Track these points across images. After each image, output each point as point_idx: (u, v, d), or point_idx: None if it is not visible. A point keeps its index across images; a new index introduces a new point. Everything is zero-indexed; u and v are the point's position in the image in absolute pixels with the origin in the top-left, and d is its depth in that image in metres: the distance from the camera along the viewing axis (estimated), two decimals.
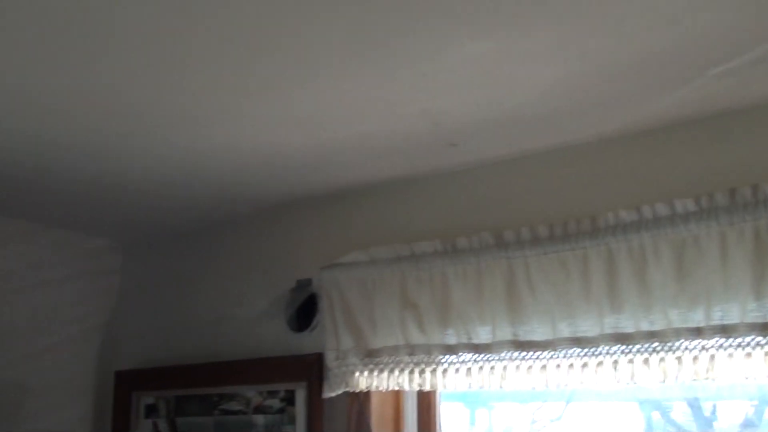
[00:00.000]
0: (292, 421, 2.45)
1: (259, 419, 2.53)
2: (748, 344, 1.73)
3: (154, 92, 1.81)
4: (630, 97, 1.84)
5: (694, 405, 2.10)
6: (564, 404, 2.29)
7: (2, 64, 1.67)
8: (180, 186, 2.48)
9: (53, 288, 2.90)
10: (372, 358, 2.26)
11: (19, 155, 2.23)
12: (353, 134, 2.05)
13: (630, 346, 1.87)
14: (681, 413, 2.13)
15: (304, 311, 2.51)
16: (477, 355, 2.10)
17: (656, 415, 2.18)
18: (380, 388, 2.25)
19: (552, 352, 1.98)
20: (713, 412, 2.09)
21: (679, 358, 1.81)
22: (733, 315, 1.75)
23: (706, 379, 1.77)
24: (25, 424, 2.75)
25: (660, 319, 1.84)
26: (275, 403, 2.50)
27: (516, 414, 2.40)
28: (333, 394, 2.32)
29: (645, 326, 1.85)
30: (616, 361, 1.89)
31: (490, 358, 2.07)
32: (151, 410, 2.83)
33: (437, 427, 2.38)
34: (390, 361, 2.23)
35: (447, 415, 2.41)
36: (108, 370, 2.97)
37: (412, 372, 2.19)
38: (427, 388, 2.18)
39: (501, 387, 2.05)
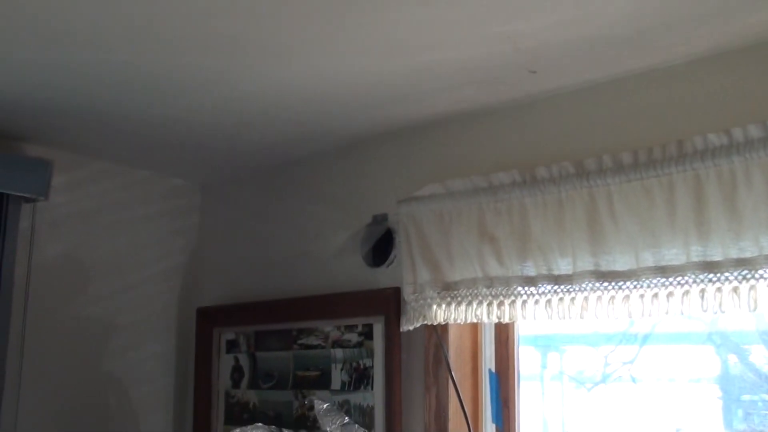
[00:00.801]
0: (370, 354, 2.47)
1: (338, 353, 2.56)
2: None
3: (238, 23, 1.81)
4: (721, 13, 1.75)
5: None
6: (637, 347, 2.25)
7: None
8: (259, 123, 2.50)
9: (135, 228, 2.97)
10: (449, 291, 2.25)
11: (98, 96, 2.28)
12: (429, 62, 2.01)
13: (718, 275, 1.81)
14: (760, 356, 2.07)
15: (381, 246, 2.52)
16: (557, 286, 2.06)
17: (733, 359, 2.12)
18: (458, 321, 2.24)
19: (635, 282, 1.93)
20: None
21: None
22: None
23: None
24: (112, 359, 2.85)
25: (750, 245, 1.76)
26: (353, 337, 2.52)
27: (588, 357, 2.37)
28: (410, 328, 2.33)
29: (734, 254, 1.78)
30: (703, 290, 1.83)
31: (570, 289, 2.04)
32: (232, 345, 2.89)
33: (516, 360, 2.37)
34: (468, 293, 2.21)
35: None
36: (190, 307, 3.04)
37: (490, 304, 2.17)
38: (505, 320, 2.16)
39: (581, 318, 2.02)
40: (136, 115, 2.43)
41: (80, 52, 1.98)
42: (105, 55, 1.99)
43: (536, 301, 2.10)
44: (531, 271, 2.10)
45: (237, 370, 2.87)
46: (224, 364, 2.90)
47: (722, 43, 1.90)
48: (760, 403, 2.07)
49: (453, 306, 2.24)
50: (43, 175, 2.52)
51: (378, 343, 2.45)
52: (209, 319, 2.95)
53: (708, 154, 1.82)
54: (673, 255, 1.88)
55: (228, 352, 2.90)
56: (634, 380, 2.25)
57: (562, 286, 2.05)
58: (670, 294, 1.88)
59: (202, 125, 2.51)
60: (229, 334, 2.90)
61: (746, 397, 2.10)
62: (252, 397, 2.80)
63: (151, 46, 1.94)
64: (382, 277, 2.50)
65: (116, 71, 2.10)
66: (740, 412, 2.10)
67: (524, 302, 2.12)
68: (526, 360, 2.40)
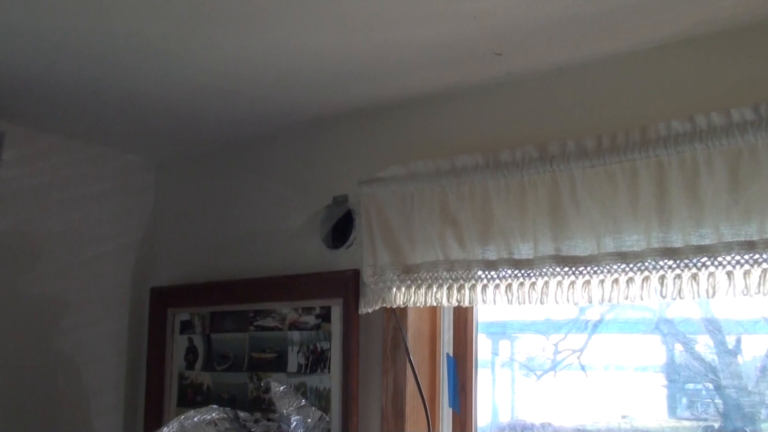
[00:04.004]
0: (327, 337, 2.45)
1: (295, 335, 2.53)
2: None
3: None
4: None
5: (718, 338, 2.07)
6: (587, 336, 2.27)
7: None
8: (217, 99, 2.45)
9: (88, 204, 2.91)
10: (410, 273, 2.24)
11: (51, 67, 2.21)
12: (395, 40, 1.99)
13: (678, 261, 1.82)
14: (704, 346, 2.10)
15: (340, 228, 2.49)
16: (517, 270, 2.06)
17: (679, 348, 2.15)
18: (417, 304, 2.23)
19: (596, 267, 1.93)
20: (737, 345, 2.06)
21: (729, 273, 1.76)
22: None
23: (757, 294, 1.72)
24: (62, 338, 2.79)
25: (711, 233, 1.78)
26: (311, 319, 2.50)
27: (538, 345, 2.38)
28: (369, 310, 2.31)
29: (694, 240, 1.80)
30: (663, 276, 1.84)
31: (531, 274, 2.03)
32: (186, 326, 2.85)
33: (474, 345, 2.37)
34: (428, 276, 2.20)
35: None
36: (144, 287, 2.99)
37: (450, 288, 2.16)
38: (465, 304, 2.16)
39: (541, 303, 2.02)
40: (89, 88, 2.36)
41: (30, 22, 1.92)
42: (58, 24, 1.93)
43: (496, 286, 2.09)
44: (492, 255, 2.10)
45: (191, 351, 2.82)
46: (178, 345, 2.86)
47: (687, 29, 1.90)
48: (703, 392, 2.11)
49: (413, 289, 2.22)
50: None
51: (336, 325, 2.43)
52: (163, 298, 2.91)
53: (671, 140, 1.83)
54: (633, 241, 1.89)
55: (182, 332, 2.86)
56: (583, 368, 2.26)
57: (522, 271, 2.05)
58: (630, 280, 1.89)
59: (158, 99, 2.45)
60: (183, 315, 2.86)
61: (690, 386, 2.13)
62: (206, 378, 2.76)
63: (105, 15, 1.88)
64: (341, 259, 2.48)
65: (69, 41, 2.03)
66: (684, 400, 2.13)
67: (484, 286, 2.11)
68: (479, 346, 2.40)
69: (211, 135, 2.81)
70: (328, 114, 2.56)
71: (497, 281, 2.09)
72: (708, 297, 1.79)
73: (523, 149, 2.05)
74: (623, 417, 2.16)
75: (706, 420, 2.07)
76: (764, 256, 1.71)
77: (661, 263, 1.84)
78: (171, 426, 2.14)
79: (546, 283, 2.01)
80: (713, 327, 2.08)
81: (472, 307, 2.36)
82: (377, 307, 2.30)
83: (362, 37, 1.98)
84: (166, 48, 2.08)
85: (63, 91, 2.39)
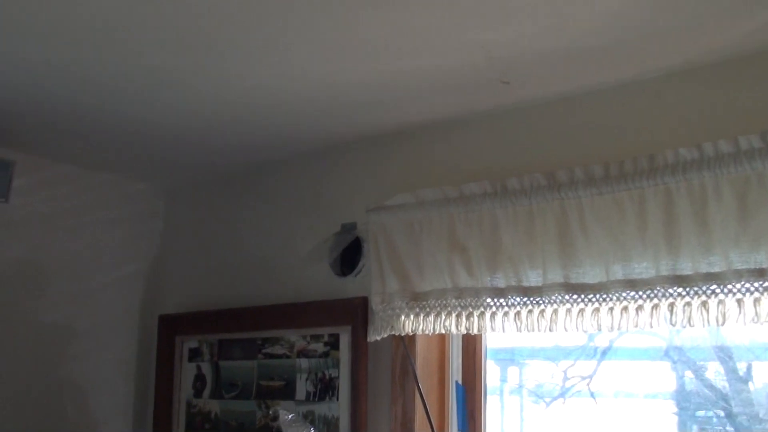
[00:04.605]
0: (336, 364, 2.44)
1: (303, 363, 2.53)
2: None
3: (206, 22, 1.78)
4: (693, 28, 1.76)
5: (728, 365, 2.06)
6: (596, 362, 2.26)
7: None
8: (226, 127, 2.46)
9: (96, 232, 2.92)
10: (418, 301, 2.24)
11: (61, 97, 2.23)
12: (403, 68, 2.00)
13: (687, 288, 1.81)
14: (715, 373, 2.09)
15: (349, 255, 2.50)
16: (526, 298, 2.05)
17: (689, 375, 2.14)
18: (426, 332, 2.23)
19: (605, 295, 1.93)
20: (748, 372, 2.05)
21: (739, 301, 1.75)
22: None
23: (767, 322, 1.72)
24: (70, 365, 2.79)
25: (720, 260, 1.78)
26: (319, 347, 2.50)
27: (547, 371, 2.38)
28: (378, 338, 2.31)
29: (704, 268, 1.79)
30: (672, 304, 1.84)
31: (539, 302, 2.03)
32: (194, 354, 2.85)
33: (483, 372, 2.36)
34: (436, 304, 2.20)
35: None
36: (152, 314, 2.99)
37: (459, 315, 2.16)
38: (474, 332, 2.15)
39: (550, 330, 2.01)
40: (98, 117, 2.38)
41: (42, 52, 1.94)
42: (68, 55, 1.95)
43: (505, 313, 2.09)
44: (501, 282, 2.10)
45: (199, 378, 2.82)
46: (186, 372, 2.85)
47: (694, 58, 1.91)
48: (714, 420, 2.09)
49: (421, 317, 2.22)
50: (3, 177, 2.47)
51: (344, 353, 2.43)
52: (171, 326, 2.90)
53: (679, 168, 1.83)
54: (643, 268, 1.88)
55: (190, 360, 2.85)
56: (592, 395, 2.25)
57: (531, 298, 2.05)
58: (639, 307, 1.88)
59: (167, 128, 2.47)
60: (191, 342, 2.86)
61: (701, 413, 2.12)
62: (214, 406, 2.75)
63: (115, 47, 1.91)
64: (349, 287, 2.48)
65: (79, 72, 2.05)
66: (695, 428, 2.11)
67: (493, 314, 2.11)
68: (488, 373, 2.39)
69: (219, 163, 2.83)
70: (337, 141, 2.57)
71: (506, 308, 2.09)
72: (718, 325, 1.78)
73: (531, 176, 2.06)
74: None
75: None
76: None
77: (671, 291, 1.84)
78: None
79: (555, 310, 2.01)
80: (724, 354, 2.07)
81: (481, 335, 2.36)
82: (386, 335, 2.30)
83: (371, 65, 1.99)
84: (177, 77, 2.09)
85: (73, 120, 2.41)
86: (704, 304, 1.79)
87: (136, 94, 2.21)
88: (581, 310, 1.97)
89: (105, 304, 2.92)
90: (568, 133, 2.14)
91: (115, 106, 2.30)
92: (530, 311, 2.05)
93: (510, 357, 2.44)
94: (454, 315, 2.17)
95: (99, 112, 2.34)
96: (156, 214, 3.12)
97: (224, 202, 2.95)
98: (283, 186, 2.76)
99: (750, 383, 2.05)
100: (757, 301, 1.73)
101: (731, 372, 2.06)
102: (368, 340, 2.34)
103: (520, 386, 2.44)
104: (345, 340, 2.43)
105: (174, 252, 3.08)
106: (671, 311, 1.84)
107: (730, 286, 1.76)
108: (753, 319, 1.73)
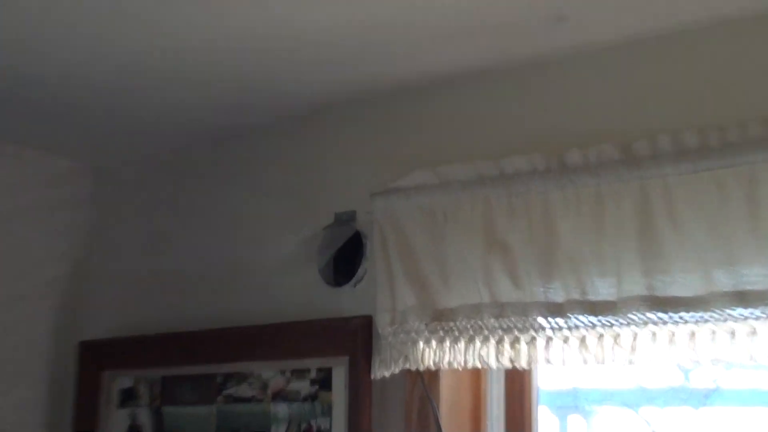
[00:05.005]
0: (327, 411, 2.46)
1: (281, 409, 2.55)
2: None
3: None
4: None
5: None
6: (693, 409, 2.28)
7: None
8: (175, 85, 2.50)
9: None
10: (442, 322, 2.25)
11: None
12: (423, 1, 2.01)
13: None
14: None
15: (345, 257, 2.52)
16: (595, 317, 2.07)
17: None
18: (454, 366, 2.24)
19: (705, 313, 1.94)
20: None
21: None
22: None
23: None
24: None
25: None
26: (304, 386, 2.52)
27: (625, 421, 2.39)
28: (387, 374, 2.33)
29: None
30: None
31: (613, 322, 2.04)
32: (128, 396, 2.88)
33: (533, 421, 2.38)
34: (468, 326, 2.22)
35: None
36: (70, 340, 3.03)
37: (500, 342, 2.18)
38: (521, 365, 2.16)
39: (630, 363, 2.03)
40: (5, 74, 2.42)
41: None
42: None
43: (565, 339, 2.10)
44: (558, 295, 2.11)
45: (134, 431, 2.84)
46: (116, 422, 2.88)
47: None
48: None
49: (447, 343, 2.24)
50: None
51: (339, 395, 2.45)
52: (97, 357, 2.94)
53: None
54: (757, 276, 1.89)
55: (122, 405, 2.88)
56: None
57: (601, 318, 2.06)
58: (752, 331, 1.89)
59: (95, 87, 2.51)
60: (124, 381, 2.88)
61: None
62: None
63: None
64: (346, 301, 2.50)
65: None
66: None
67: (548, 340, 2.12)
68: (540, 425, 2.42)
69: (166, 134, 2.87)
70: (330, 101, 2.60)
71: (566, 332, 2.10)
72: None
73: (598, 149, 2.08)
74: None
75: None
76: None
77: None
78: None
79: (635, 335, 2.02)
80: None
81: (531, 370, 2.37)
82: (397, 370, 2.31)
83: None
84: (101, 23, 2.12)
85: None
86: None
87: (51, 46, 2.24)
88: (672, 335, 1.98)
89: (8, 324, 2.93)
90: (647, 87, 2.16)
91: (24, 61, 2.33)
92: (600, 336, 2.06)
93: (572, 402, 2.46)
94: (492, 341, 2.19)
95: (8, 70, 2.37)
96: (82, 201, 3.15)
97: (173, 186, 2.98)
98: (254, 164, 2.80)
99: None
100: None
101: None
102: (372, 376, 2.36)
103: None
104: (340, 377, 2.45)
105: (104, 252, 3.12)
106: None
107: None
108: None
